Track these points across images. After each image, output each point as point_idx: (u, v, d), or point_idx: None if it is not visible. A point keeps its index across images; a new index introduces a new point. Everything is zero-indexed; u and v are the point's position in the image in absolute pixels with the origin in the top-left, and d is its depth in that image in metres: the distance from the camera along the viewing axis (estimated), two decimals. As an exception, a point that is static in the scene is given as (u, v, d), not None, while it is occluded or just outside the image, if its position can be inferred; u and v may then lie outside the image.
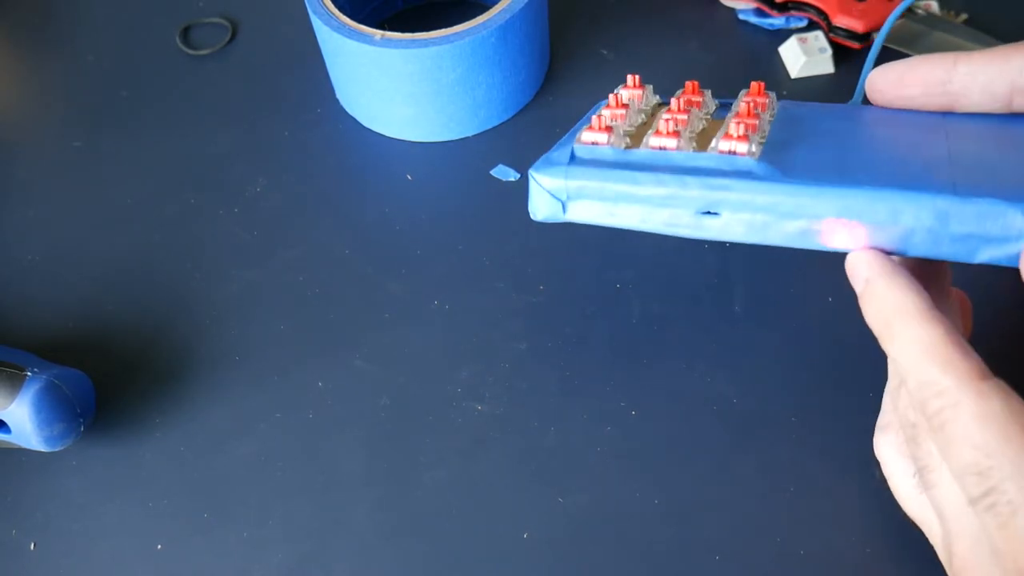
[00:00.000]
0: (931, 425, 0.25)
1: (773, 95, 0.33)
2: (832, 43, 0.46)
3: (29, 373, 0.34)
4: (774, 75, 0.46)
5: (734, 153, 0.29)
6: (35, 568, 0.34)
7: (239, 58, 0.50)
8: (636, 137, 0.32)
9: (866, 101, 0.34)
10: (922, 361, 0.25)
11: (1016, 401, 0.24)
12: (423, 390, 0.37)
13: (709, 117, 0.33)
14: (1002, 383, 0.24)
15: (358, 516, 0.35)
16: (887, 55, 0.42)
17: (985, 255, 0.26)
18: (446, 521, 0.34)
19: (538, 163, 0.31)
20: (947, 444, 0.24)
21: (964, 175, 0.27)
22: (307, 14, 0.50)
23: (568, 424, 0.36)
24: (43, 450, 0.34)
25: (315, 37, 0.47)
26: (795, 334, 0.38)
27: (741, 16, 0.49)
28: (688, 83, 0.34)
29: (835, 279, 0.39)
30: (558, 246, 0.41)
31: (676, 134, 0.30)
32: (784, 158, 0.29)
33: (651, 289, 0.39)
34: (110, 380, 0.38)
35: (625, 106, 0.33)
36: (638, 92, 0.34)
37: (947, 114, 0.31)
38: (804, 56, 0.45)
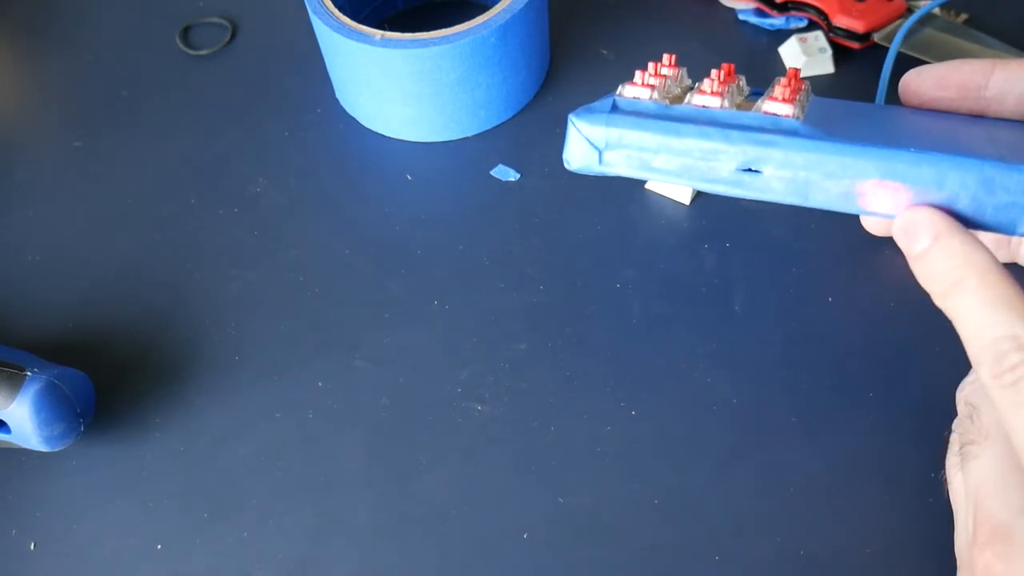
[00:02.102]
0: (1002, 382, 0.24)
1: (808, 83, 0.32)
2: (832, 43, 0.46)
3: (29, 373, 0.34)
4: (774, 75, 0.46)
5: (778, 115, 0.29)
6: (35, 568, 0.34)
7: (239, 58, 0.50)
8: (676, 100, 0.31)
9: (890, 103, 0.34)
10: (1001, 314, 0.24)
11: None
12: (423, 390, 0.37)
13: (744, 99, 0.33)
14: None
15: (358, 516, 0.35)
16: (887, 55, 0.42)
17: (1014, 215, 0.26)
18: (446, 521, 0.34)
19: (578, 110, 0.30)
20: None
21: (1009, 151, 0.27)
22: (307, 14, 0.50)
23: (568, 424, 0.36)
24: (43, 450, 0.34)
25: (315, 37, 0.47)
26: (795, 334, 0.38)
27: (741, 16, 0.49)
28: (724, 65, 0.33)
29: (835, 279, 0.39)
30: (558, 246, 0.41)
31: (719, 94, 0.30)
32: (828, 125, 0.29)
33: (651, 289, 0.39)
34: (110, 380, 0.38)
35: (663, 76, 0.32)
36: (673, 71, 0.33)
37: (979, 117, 0.31)
38: (804, 56, 0.45)
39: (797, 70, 0.32)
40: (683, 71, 0.34)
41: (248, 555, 0.34)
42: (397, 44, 0.41)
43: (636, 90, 0.31)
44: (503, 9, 0.42)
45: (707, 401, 0.36)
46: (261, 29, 0.51)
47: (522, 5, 0.41)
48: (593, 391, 0.37)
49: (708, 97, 0.30)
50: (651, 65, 0.33)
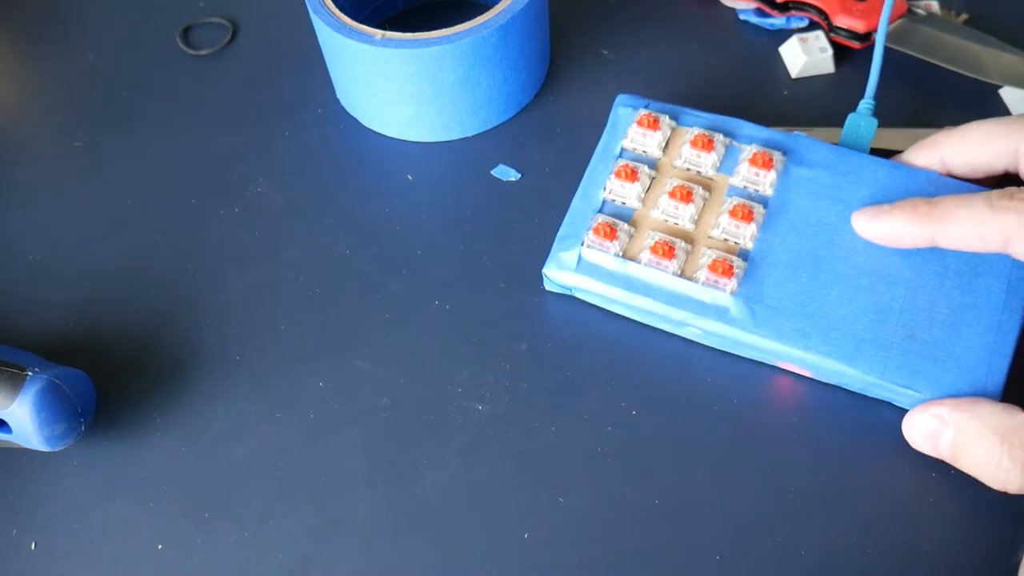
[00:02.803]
0: None
1: (778, 157, 0.38)
2: (833, 43, 0.46)
3: (30, 373, 0.34)
4: (774, 75, 0.46)
5: (716, 284, 0.35)
6: (36, 568, 0.34)
7: (239, 58, 0.50)
8: (653, 191, 0.38)
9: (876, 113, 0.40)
10: None
11: None
12: (423, 390, 0.37)
13: (716, 174, 0.39)
14: None
15: (358, 516, 0.35)
16: (889, 55, 0.42)
17: (894, 401, 0.35)
18: (446, 521, 0.34)
19: (549, 260, 0.38)
20: None
21: (902, 343, 0.34)
22: (307, 14, 0.50)
23: (568, 424, 0.36)
24: (44, 450, 0.34)
25: (315, 37, 0.47)
26: (795, 334, 0.38)
27: (741, 16, 0.49)
28: (697, 136, 0.39)
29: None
30: (558, 246, 0.41)
31: (670, 253, 0.36)
32: (758, 291, 0.35)
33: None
34: (110, 380, 0.38)
35: (633, 174, 0.38)
36: (651, 132, 0.39)
37: (939, 188, 0.37)
38: (805, 56, 0.45)
39: (765, 155, 0.38)
40: (663, 120, 0.40)
41: (248, 555, 0.34)
42: (397, 44, 0.41)
43: (600, 241, 0.37)
44: (503, 9, 0.42)
45: (707, 401, 0.36)
46: (261, 29, 0.51)
47: (522, 5, 0.41)
48: (593, 391, 0.37)
49: (660, 257, 0.36)
50: (619, 169, 0.38)
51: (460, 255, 0.41)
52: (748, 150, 0.38)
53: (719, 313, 0.35)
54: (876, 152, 0.41)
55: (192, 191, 0.44)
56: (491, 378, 0.37)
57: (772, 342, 0.35)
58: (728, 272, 0.35)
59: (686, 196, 0.37)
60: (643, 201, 0.38)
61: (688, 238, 0.37)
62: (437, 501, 0.35)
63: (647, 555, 0.33)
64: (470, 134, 0.45)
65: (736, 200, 0.37)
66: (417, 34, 0.41)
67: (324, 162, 0.45)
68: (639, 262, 0.36)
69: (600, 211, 0.38)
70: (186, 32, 0.52)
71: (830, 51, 0.46)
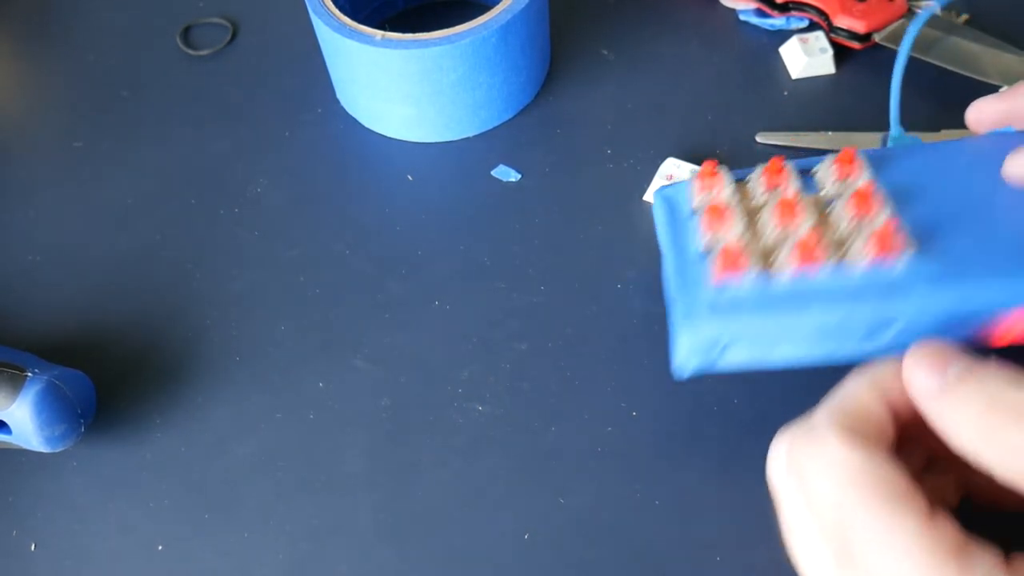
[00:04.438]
0: None
1: (861, 157, 0.32)
2: (833, 44, 0.46)
3: (30, 374, 0.34)
4: (775, 76, 0.46)
5: (889, 260, 0.28)
6: (36, 568, 0.34)
7: (239, 58, 0.50)
8: (752, 223, 0.31)
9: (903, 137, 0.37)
10: None
11: None
12: (424, 390, 0.37)
13: (800, 197, 0.31)
14: None
15: (358, 516, 0.35)
16: (889, 55, 0.42)
17: None
18: (446, 521, 0.34)
19: (681, 318, 0.29)
20: None
21: None
22: (307, 14, 0.50)
23: (568, 424, 0.36)
24: (44, 451, 0.34)
25: (315, 37, 0.47)
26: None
27: (742, 16, 0.49)
28: (772, 161, 0.33)
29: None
30: (558, 246, 0.41)
31: (815, 251, 0.29)
32: (935, 249, 0.28)
33: (651, 289, 0.39)
34: (110, 380, 0.38)
35: (723, 212, 0.31)
36: (719, 184, 0.33)
37: None
38: (805, 57, 0.45)
39: (852, 150, 0.32)
40: (722, 171, 0.33)
41: (248, 555, 0.34)
42: (398, 44, 0.41)
43: (728, 271, 0.29)
44: (504, 9, 0.42)
45: (707, 401, 0.36)
46: (261, 29, 0.51)
47: (523, 5, 0.41)
48: (593, 391, 0.37)
49: (808, 257, 0.28)
50: (708, 203, 0.32)
51: (460, 255, 0.41)
52: (824, 165, 0.33)
53: (909, 282, 0.28)
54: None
55: (192, 191, 0.44)
56: (491, 378, 0.37)
57: (994, 279, 0.27)
58: (894, 242, 0.28)
59: (793, 210, 0.30)
60: (749, 233, 0.31)
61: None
62: (437, 501, 0.35)
63: (647, 555, 0.33)
64: (470, 134, 0.45)
65: (847, 196, 0.31)
66: (417, 34, 0.41)
67: (324, 162, 0.45)
68: (781, 271, 0.29)
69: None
70: (186, 32, 0.51)
71: (830, 51, 0.46)
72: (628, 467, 0.35)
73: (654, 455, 0.35)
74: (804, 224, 0.30)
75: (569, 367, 0.37)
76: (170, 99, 0.48)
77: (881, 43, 0.45)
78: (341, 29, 0.42)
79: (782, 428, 0.27)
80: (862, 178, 0.31)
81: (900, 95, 0.38)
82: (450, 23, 0.42)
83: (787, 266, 0.29)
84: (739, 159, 0.43)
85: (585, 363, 0.38)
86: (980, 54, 0.44)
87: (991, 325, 0.28)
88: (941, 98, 0.45)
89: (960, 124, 0.43)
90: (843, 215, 0.30)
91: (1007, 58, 0.44)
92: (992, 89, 0.44)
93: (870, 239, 0.28)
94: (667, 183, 0.41)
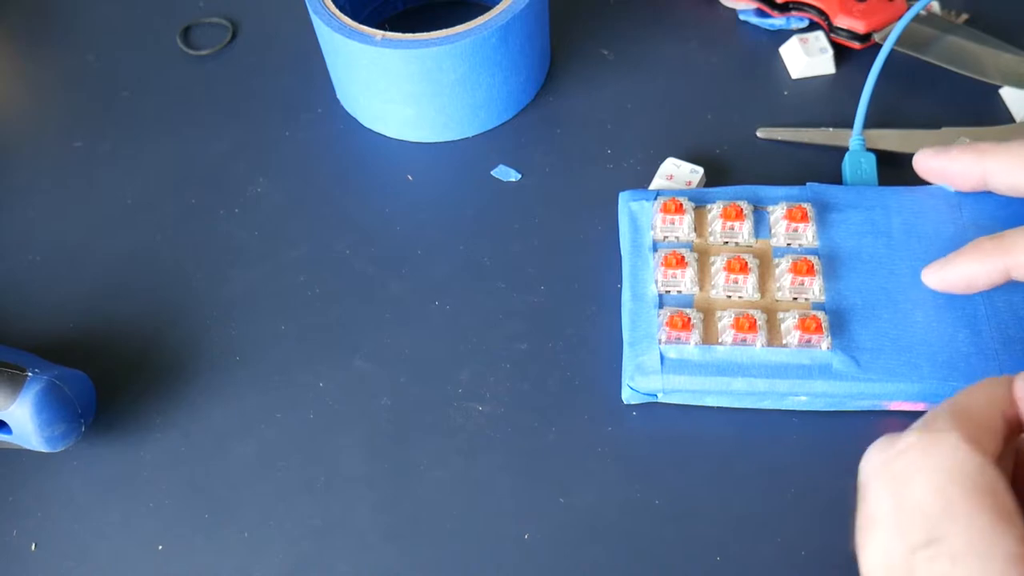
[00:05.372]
0: None
1: (808, 208, 0.37)
2: (833, 43, 0.46)
3: (30, 374, 0.34)
4: (775, 76, 0.46)
5: (810, 343, 0.34)
6: (36, 568, 0.34)
7: (239, 58, 0.50)
8: (704, 272, 0.37)
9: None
10: None
11: None
12: (424, 390, 0.37)
13: (755, 240, 0.38)
14: None
15: (358, 516, 0.35)
16: (889, 56, 0.42)
17: None
18: (446, 521, 0.34)
19: (627, 371, 0.35)
20: None
21: (1004, 347, 0.34)
22: (307, 14, 0.49)
23: (568, 424, 0.36)
24: (44, 451, 0.34)
25: (315, 37, 0.47)
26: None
27: (742, 16, 0.49)
28: (732, 205, 0.38)
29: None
30: (558, 246, 0.41)
31: (753, 327, 0.35)
32: (850, 339, 0.35)
33: (651, 289, 0.39)
34: (110, 380, 0.38)
35: (681, 261, 0.37)
36: (678, 216, 0.38)
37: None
38: (805, 57, 0.45)
39: (803, 209, 0.37)
40: (684, 202, 0.38)
41: (248, 555, 0.34)
42: (398, 44, 0.41)
43: (677, 334, 0.35)
44: (504, 9, 0.42)
45: (707, 401, 0.36)
46: (261, 29, 0.51)
47: (523, 5, 0.41)
48: (593, 391, 0.37)
49: (746, 334, 0.35)
50: (664, 257, 0.37)
51: (460, 255, 0.41)
52: (778, 209, 0.38)
53: (823, 371, 0.34)
54: (879, 154, 0.41)
55: (192, 191, 0.44)
56: (491, 378, 0.37)
57: (885, 384, 0.34)
58: (819, 328, 0.34)
59: (743, 267, 0.36)
60: (699, 284, 0.36)
61: (758, 308, 0.36)
62: (437, 501, 0.35)
63: (647, 555, 0.33)
64: (470, 134, 0.45)
65: (790, 258, 0.36)
66: (417, 34, 0.41)
67: (324, 162, 0.45)
68: (723, 344, 0.35)
69: (660, 306, 0.36)
70: (186, 32, 0.51)
71: (830, 51, 0.46)
72: (628, 467, 0.35)
73: (654, 455, 0.35)
74: (750, 281, 0.36)
75: (569, 367, 0.37)
76: (170, 99, 0.48)
77: (881, 43, 0.45)
78: (341, 29, 0.42)
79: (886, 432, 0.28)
80: (807, 233, 0.37)
81: (868, 105, 0.41)
82: (450, 23, 0.42)
83: (727, 334, 0.35)
84: (739, 159, 0.43)
85: (585, 363, 0.38)
86: (980, 54, 0.44)
87: (879, 405, 0.35)
88: (941, 98, 0.45)
89: (959, 122, 0.43)
90: (785, 274, 0.36)
91: (1007, 58, 0.44)
92: (992, 89, 0.44)
93: (799, 323, 0.34)
94: (667, 183, 0.41)
